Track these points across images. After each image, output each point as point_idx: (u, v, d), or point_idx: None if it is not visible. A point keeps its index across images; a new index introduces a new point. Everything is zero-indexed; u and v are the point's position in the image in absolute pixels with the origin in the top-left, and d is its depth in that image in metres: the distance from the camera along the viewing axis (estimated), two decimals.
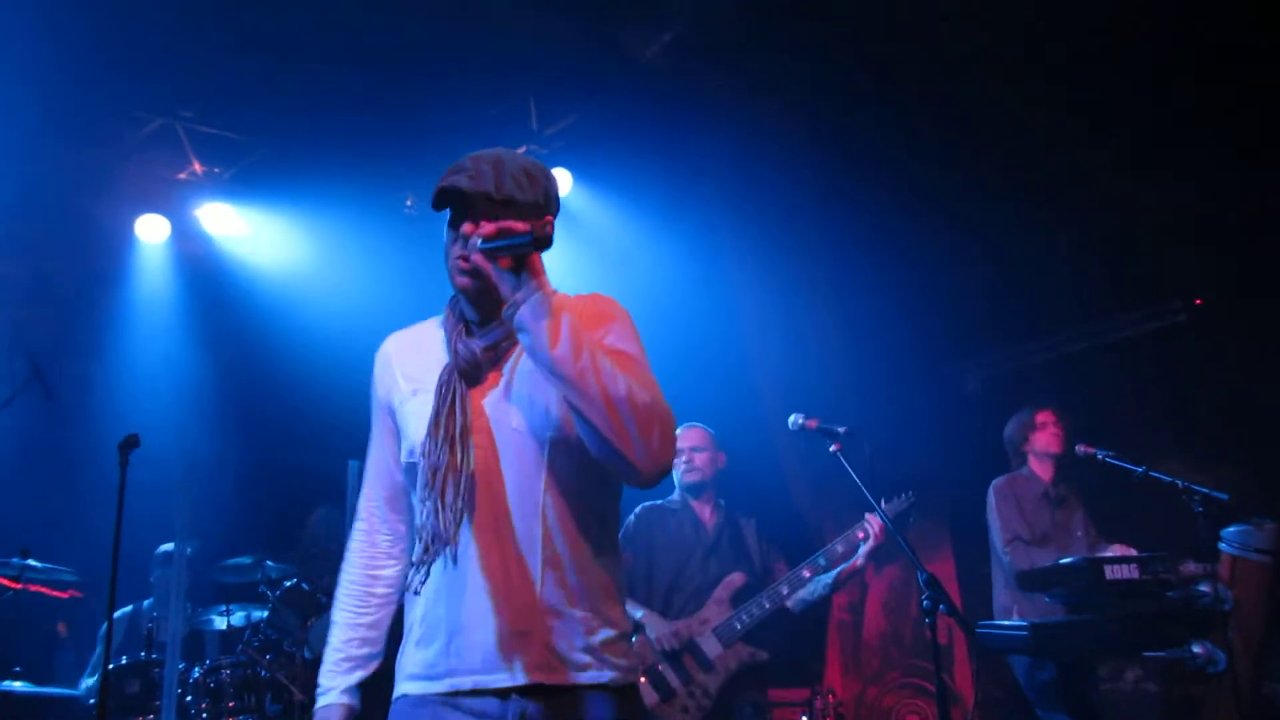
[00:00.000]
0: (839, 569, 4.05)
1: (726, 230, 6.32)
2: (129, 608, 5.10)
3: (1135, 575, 3.67)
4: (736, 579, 4.09)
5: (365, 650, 2.10)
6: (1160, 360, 5.85)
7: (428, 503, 1.90)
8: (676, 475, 4.29)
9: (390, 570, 2.15)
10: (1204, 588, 3.52)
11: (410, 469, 1.99)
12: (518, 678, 1.86)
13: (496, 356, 1.99)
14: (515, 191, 1.95)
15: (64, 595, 5.05)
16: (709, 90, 5.60)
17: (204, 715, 4.27)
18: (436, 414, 1.93)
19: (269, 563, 4.88)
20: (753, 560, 4.23)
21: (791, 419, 3.41)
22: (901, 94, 5.31)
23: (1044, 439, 4.61)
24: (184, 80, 5.46)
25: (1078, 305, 6.24)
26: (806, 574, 4.04)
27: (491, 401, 1.97)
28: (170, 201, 6.00)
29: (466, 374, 1.97)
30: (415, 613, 1.96)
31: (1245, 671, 3.59)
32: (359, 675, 2.09)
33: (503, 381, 1.98)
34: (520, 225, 1.86)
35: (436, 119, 5.66)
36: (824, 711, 5.84)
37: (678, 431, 4.14)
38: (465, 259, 1.91)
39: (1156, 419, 5.63)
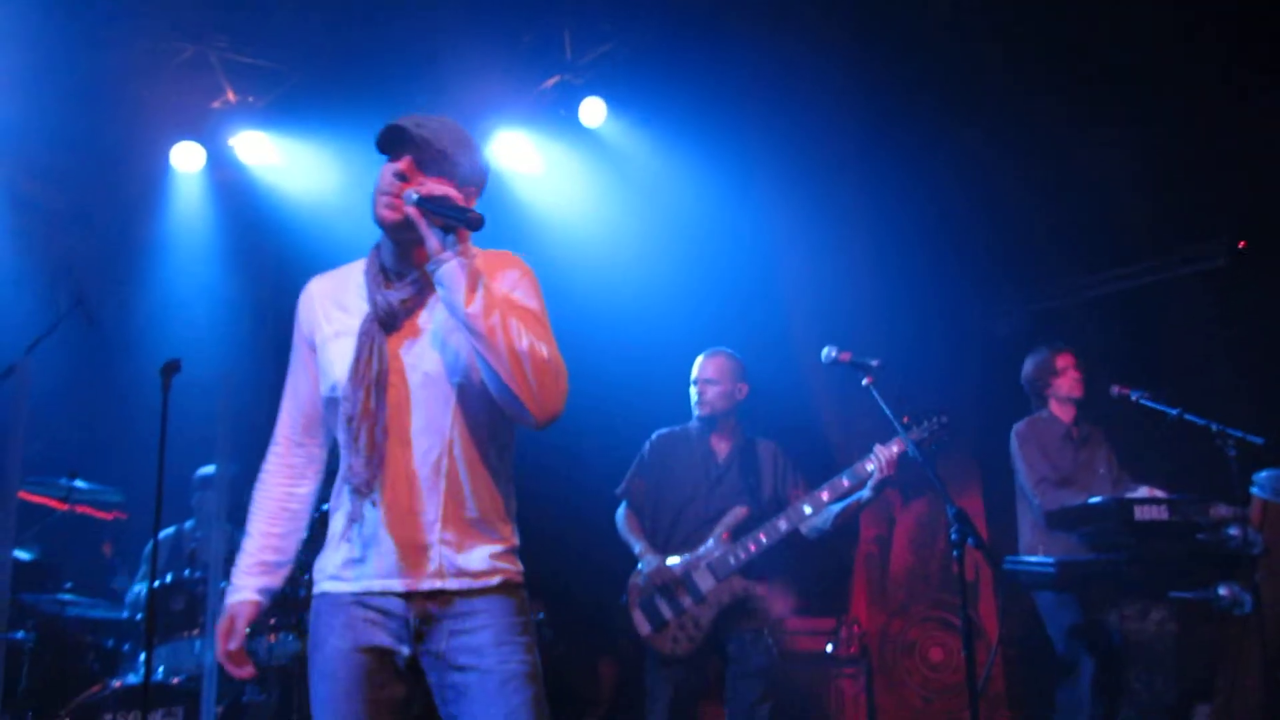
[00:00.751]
0: (845, 502, 3.96)
1: (761, 162, 6.26)
2: (172, 529, 5.24)
3: (1165, 516, 3.68)
4: (740, 513, 4.07)
5: (276, 558, 2.36)
6: (1200, 304, 5.77)
7: (347, 443, 2.18)
8: (693, 405, 4.27)
9: (304, 489, 2.42)
10: (1233, 531, 3.53)
11: (331, 403, 2.25)
12: (420, 584, 2.16)
13: (412, 306, 2.23)
14: (451, 148, 2.20)
15: (109, 517, 5.18)
16: (744, 16, 5.51)
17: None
18: (356, 361, 2.18)
19: None
20: (764, 489, 4.18)
21: (824, 352, 3.42)
22: (942, 33, 5.18)
23: (1066, 384, 4.57)
24: (217, 8, 5.44)
25: (1115, 247, 6.15)
26: (807, 509, 3.97)
27: (407, 348, 2.21)
28: (205, 130, 6.00)
29: (384, 323, 2.21)
30: (335, 525, 2.25)
31: (1272, 614, 3.62)
32: (268, 580, 2.35)
33: (418, 330, 2.22)
34: (458, 196, 2.12)
35: (469, 48, 5.63)
36: (849, 641, 5.93)
37: (698, 360, 4.32)
38: (398, 199, 2.12)
39: (1193, 362, 5.58)
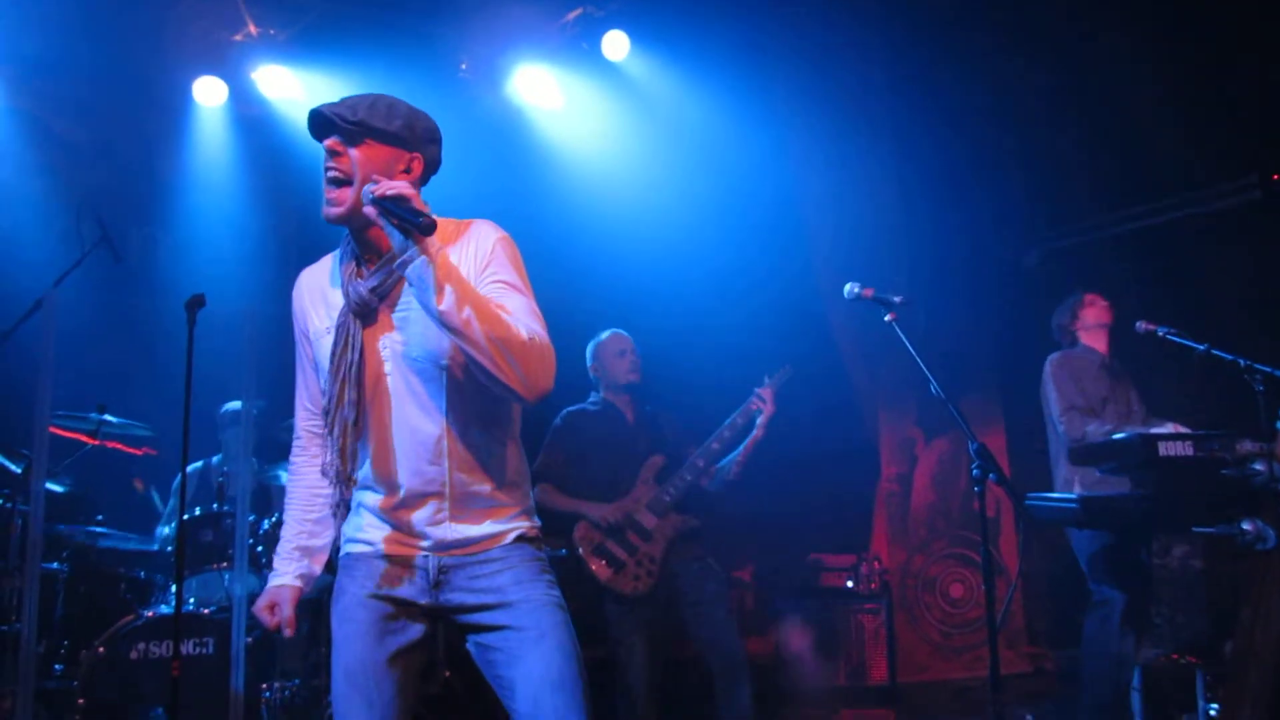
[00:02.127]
0: (744, 441, 4.25)
1: (785, 95, 6.18)
2: (200, 463, 5.31)
3: (1190, 452, 3.66)
4: (657, 460, 4.34)
5: (314, 542, 2.44)
6: (1229, 239, 5.68)
7: (328, 435, 2.23)
8: (614, 376, 4.45)
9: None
10: (1259, 466, 3.50)
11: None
12: (432, 551, 2.23)
13: (385, 293, 2.21)
14: (371, 118, 2.20)
15: (139, 452, 5.25)
16: None
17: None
18: (332, 354, 2.21)
19: None
20: (667, 446, 4.42)
21: (847, 288, 3.39)
22: None
23: (1094, 312, 4.60)
24: None
25: (1148, 181, 6.05)
26: (715, 445, 4.27)
27: (388, 336, 2.21)
28: (227, 64, 5.97)
29: (359, 314, 2.21)
30: (358, 495, 2.31)
31: None
32: (308, 565, 2.43)
33: (395, 316, 2.21)
34: (415, 198, 2.06)
35: None
36: (869, 577, 5.97)
37: (623, 335, 4.48)
38: (338, 193, 2.16)
39: (1222, 298, 5.51)
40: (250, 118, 6.19)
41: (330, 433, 2.22)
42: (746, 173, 6.19)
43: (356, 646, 2.22)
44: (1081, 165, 6.06)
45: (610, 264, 5.85)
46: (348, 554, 2.33)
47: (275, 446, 4.94)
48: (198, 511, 4.65)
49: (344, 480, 2.23)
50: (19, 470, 4.40)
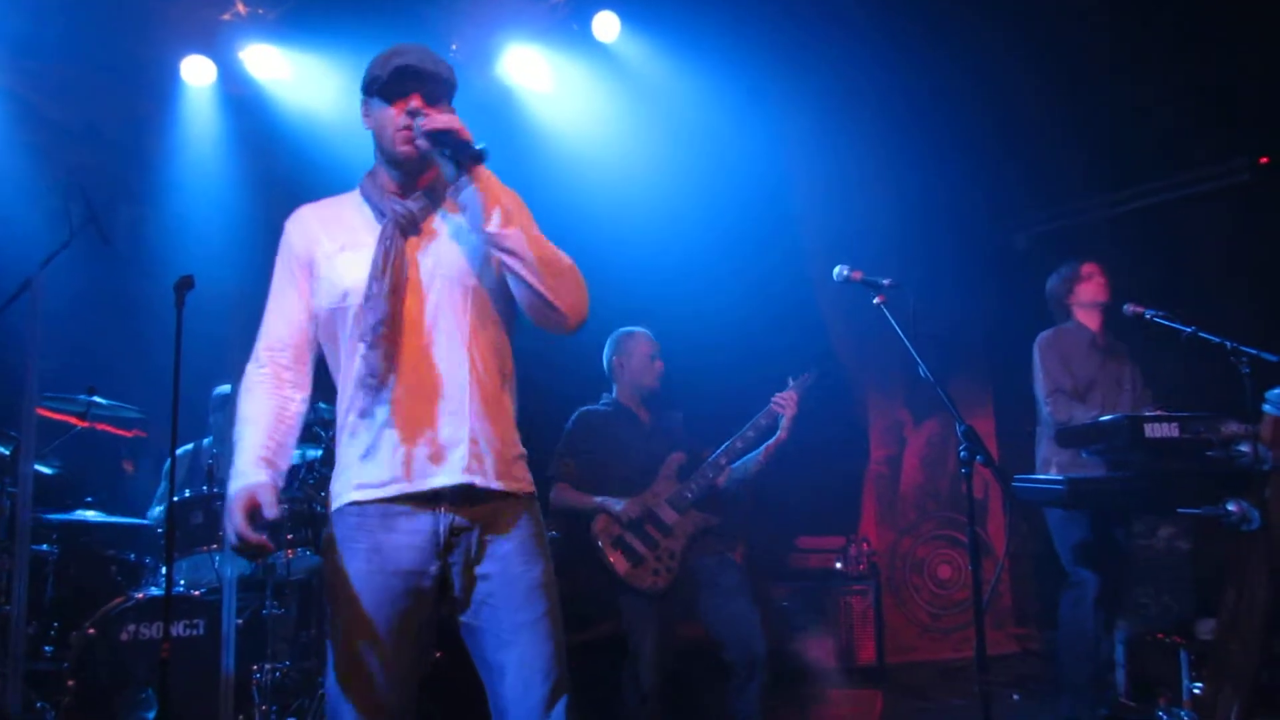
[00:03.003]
0: (766, 442, 4.27)
1: (775, 75, 6.15)
2: (190, 445, 5.30)
3: (1175, 434, 3.67)
4: (679, 457, 4.36)
5: (279, 459, 2.30)
6: (1218, 222, 5.70)
7: (366, 346, 2.18)
8: (638, 378, 4.43)
9: (294, 407, 2.36)
10: (1244, 447, 3.52)
11: (339, 312, 2.25)
12: (453, 477, 2.18)
13: (425, 214, 2.30)
14: (445, 72, 2.32)
15: (129, 434, 5.24)
16: None
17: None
18: (379, 265, 2.20)
19: (321, 405, 5.02)
20: (684, 446, 4.42)
21: (836, 270, 3.39)
22: None
23: (1090, 289, 4.58)
24: None
25: (1137, 163, 6.06)
26: (739, 444, 4.28)
27: (424, 252, 2.26)
28: (215, 43, 5.92)
29: (404, 228, 2.25)
30: (359, 438, 2.23)
31: (1278, 530, 3.62)
32: (273, 472, 2.27)
33: (433, 233, 2.29)
34: (463, 129, 2.17)
35: None
36: (858, 559, 6.01)
37: (636, 333, 4.49)
38: (411, 131, 2.21)
39: (1211, 280, 5.53)
40: (239, 97, 6.14)
41: (377, 340, 2.17)
42: (736, 154, 6.18)
43: (361, 631, 2.16)
44: (1071, 148, 6.07)
45: (597, 246, 5.81)
46: (346, 506, 2.24)
47: None
48: (187, 494, 4.65)
49: (382, 384, 2.18)
50: (7, 452, 4.38)
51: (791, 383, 4.34)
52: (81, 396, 4.67)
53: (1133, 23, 5.31)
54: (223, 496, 4.49)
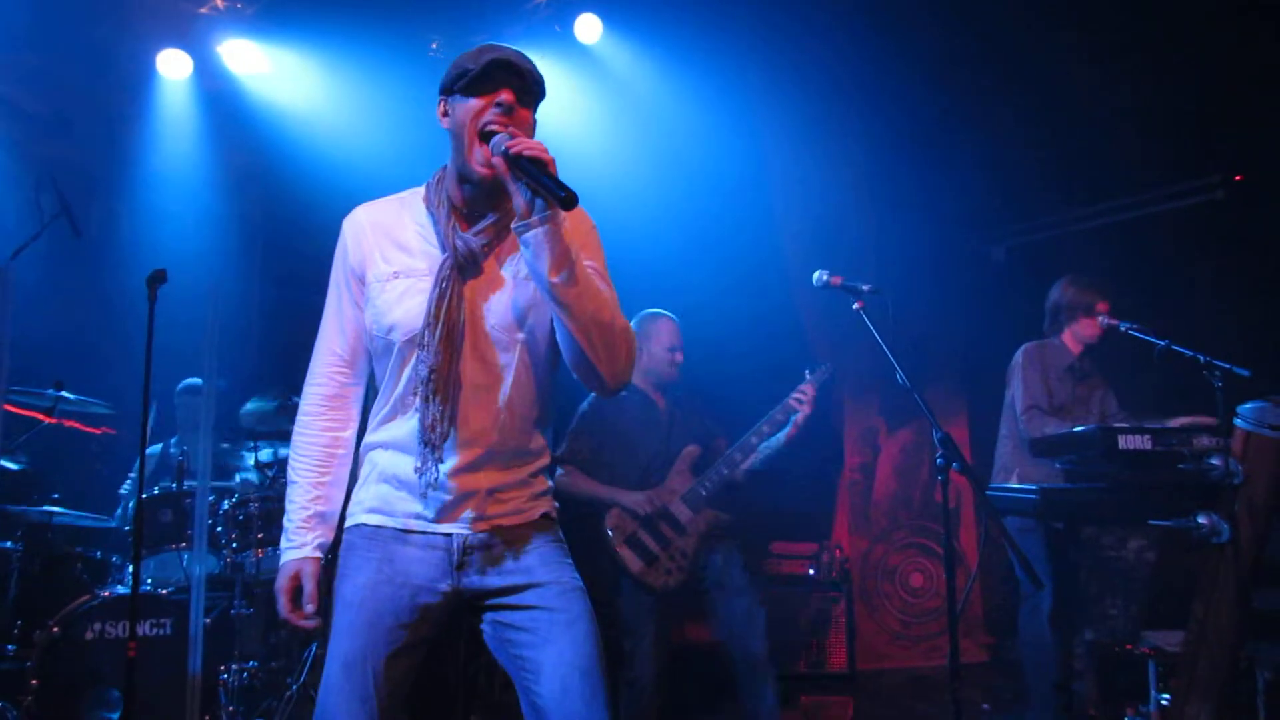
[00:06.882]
0: (781, 434, 4.25)
1: (756, 82, 6.17)
2: (159, 445, 5.24)
3: (1148, 446, 3.70)
4: (694, 450, 4.30)
5: (326, 508, 2.28)
6: (1191, 238, 5.75)
7: (422, 394, 2.09)
8: (657, 365, 4.35)
9: (348, 432, 2.32)
10: (1215, 461, 3.54)
11: (387, 344, 2.17)
12: (464, 528, 2.16)
13: (489, 251, 2.15)
14: (540, 77, 2.14)
15: (97, 431, 5.16)
16: None
17: (233, 544, 4.43)
18: (435, 308, 2.09)
19: (295, 399, 4.96)
20: (700, 437, 4.38)
21: (816, 275, 3.39)
22: None
23: (1092, 327, 4.57)
24: None
25: (1114, 178, 6.11)
26: (754, 440, 4.24)
27: (480, 296, 2.14)
28: (192, 37, 5.87)
29: (463, 268, 2.12)
30: (382, 460, 2.20)
31: (1247, 544, 3.65)
32: (323, 533, 2.27)
33: (492, 278, 2.15)
34: (550, 161, 1.96)
35: None
36: (830, 565, 6.02)
37: (660, 319, 4.40)
38: (490, 151, 2.03)
39: (1184, 295, 5.58)
40: (215, 91, 6.09)
41: (435, 394, 2.08)
42: (717, 158, 6.19)
43: (360, 637, 2.11)
44: (1049, 162, 6.12)
45: None
46: (361, 525, 2.21)
47: (237, 426, 4.89)
48: (156, 491, 4.59)
49: (441, 441, 2.10)
50: None
51: (809, 375, 4.33)
52: (49, 391, 4.59)
53: (1109, 39, 5.36)
54: (192, 495, 4.47)
